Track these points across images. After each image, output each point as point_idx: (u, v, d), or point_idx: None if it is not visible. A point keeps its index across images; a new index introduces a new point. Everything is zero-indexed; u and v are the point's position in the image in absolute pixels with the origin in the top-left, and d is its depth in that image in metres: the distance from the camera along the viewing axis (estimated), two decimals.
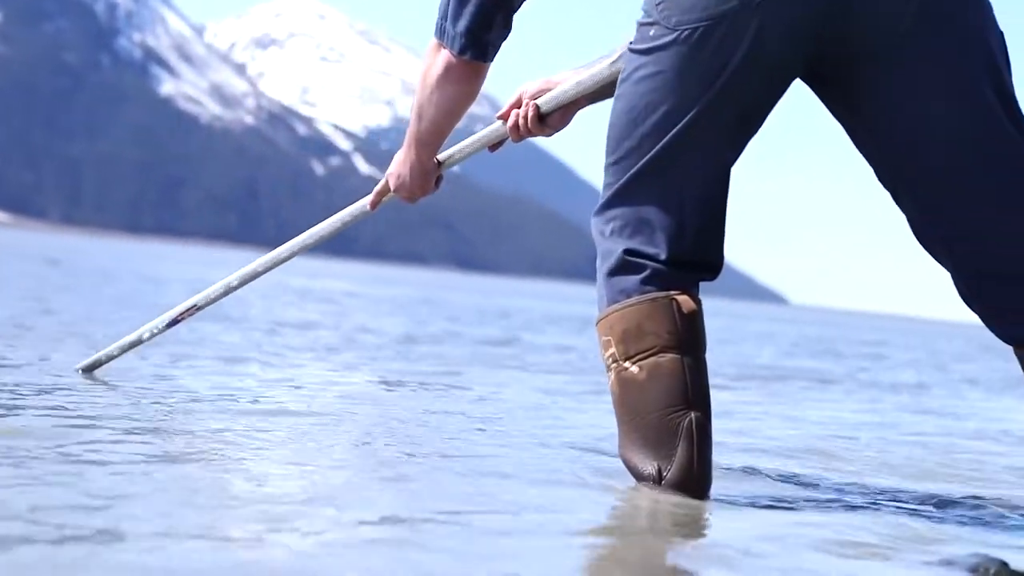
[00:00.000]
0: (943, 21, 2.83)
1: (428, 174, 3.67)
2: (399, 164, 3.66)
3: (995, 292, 2.94)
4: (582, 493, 3.02)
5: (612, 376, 2.99)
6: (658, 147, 2.94)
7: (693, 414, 2.91)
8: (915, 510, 3.23)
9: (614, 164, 3.01)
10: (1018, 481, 4.08)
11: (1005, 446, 5.40)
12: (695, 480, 2.91)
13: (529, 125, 3.51)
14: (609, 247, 3.01)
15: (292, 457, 3.19)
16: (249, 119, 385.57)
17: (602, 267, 3.03)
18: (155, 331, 4.33)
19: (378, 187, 3.79)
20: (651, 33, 2.94)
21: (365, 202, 3.88)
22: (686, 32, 2.88)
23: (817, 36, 2.85)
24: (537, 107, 3.50)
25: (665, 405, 2.91)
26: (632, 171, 2.98)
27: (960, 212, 2.90)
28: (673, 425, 2.91)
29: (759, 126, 3.00)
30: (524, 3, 3.27)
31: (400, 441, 3.64)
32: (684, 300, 2.95)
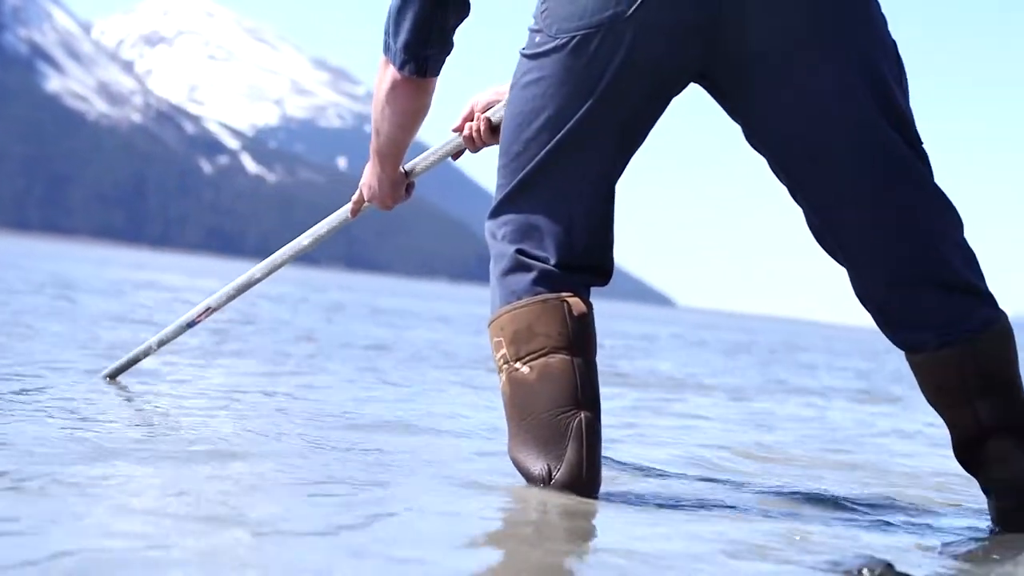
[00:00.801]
0: (829, 41, 2.86)
1: (396, 184, 3.71)
2: (368, 176, 3.70)
3: (885, 297, 2.96)
4: (471, 494, 3.00)
5: (503, 377, 3.01)
6: (543, 153, 2.98)
7: (583, 414, 2.93)
8: (807, 512, 3.25)
9: (504, 167, 3.05)
10: (911, 482, 4.12)
11: (908, 447, 5.50)
12: (584, 480, 2.92)
13: (483, 137, 3.56)
14: (501, 249, 3.03)
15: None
16: (136, 117, 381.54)
17: (495, 269, 3.05)
18: (172, 335, 4.47)
19: (355, 196, 3.84)
20: (536, 40, 2.98)
21: (346, 210, 3.95)
22: (564, 40, 2.92)
23: (696, 47, 2.88)
24: (488, 120, 3.54)
25: (555, 405, 2.93)
26: (520, 176, 3.01)
27: (847, 218, 2.93)
28: (563, 425, 2.92)
29: (643, 137, 3.03)
30: (462, 21, 3.27)
31: (287, 439, 3.59)
32: (575, 302, 2.98)
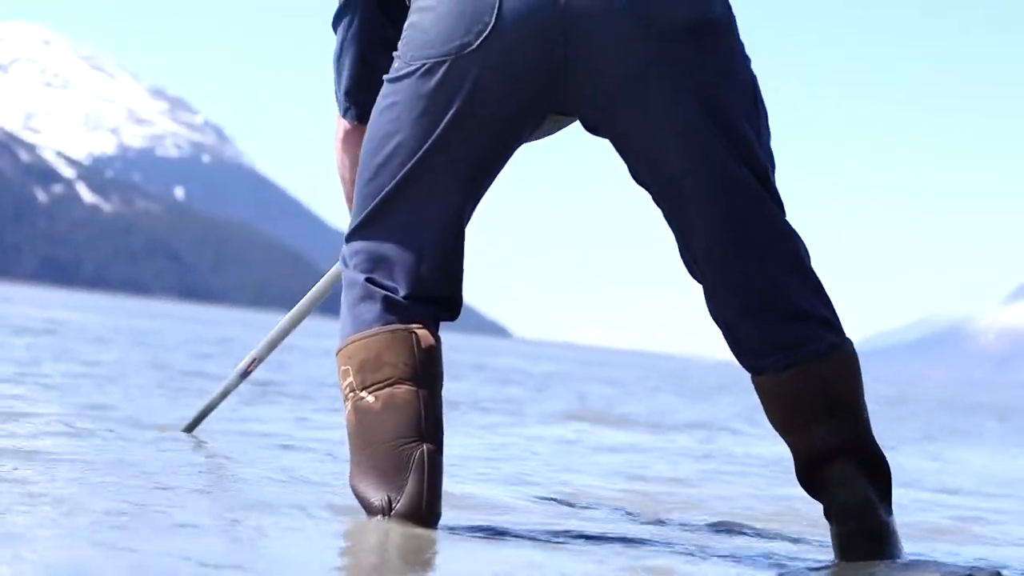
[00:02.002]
0: (673, 80, 2.93)
1: None
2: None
3: (734, 320, 3.02)
4: (311, 526, 2.99)
5: (348, 406, 3.00)
6: (393, 183, 3.01)
7: (425, 446, 2.94)
8: (643, 541, 3.27)
9: (358, 193, 3.08)
10: (752, 514, 4.18)
11: (749, 474, 5.63)
12: (424, 512, 2.93)
13: None
14: (353, 277, 3.04)
15: None
16: None
17: (345, 296, 3.07)
18: (232, 386, 4.60)
19: None
20: (396, 64, 3.02)
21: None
22: (416, 66, 2.97)
23: (545, 86, 2.94)
24: None
25: (398, 436, 2.94)
26: (372, 204, 3.04)
27: (702, 244, 3.00)
28: (405, 456, 2.93)
29: (494, 173, 3.06)
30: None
31: (121, 478, 3.51)
32: (424, 334, 3.00)
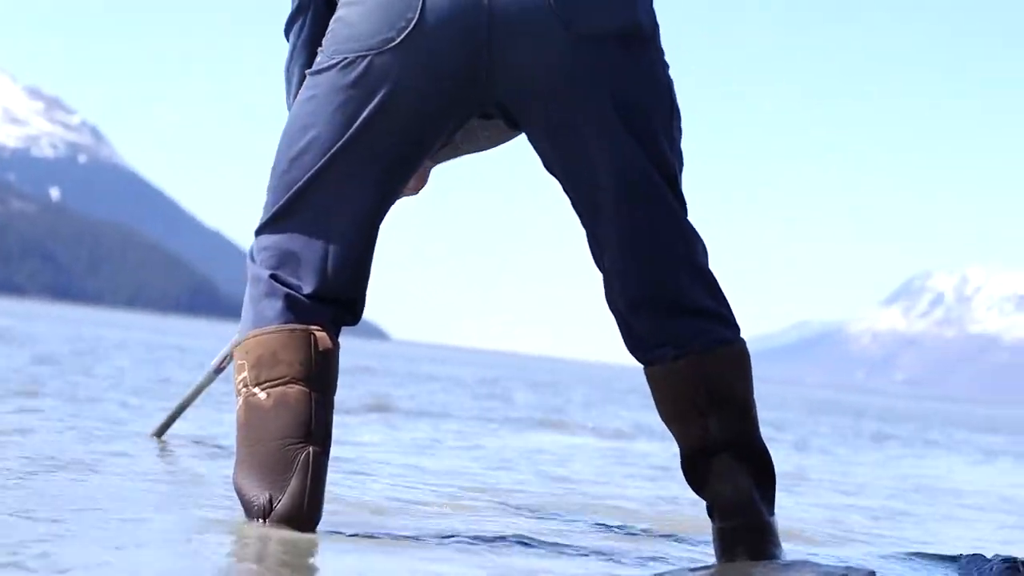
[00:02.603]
0: (589, 81, 2.96)
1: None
2: None
3: (630, 310, 3.06)
4: (192, 525, 3.00)
5: (240, 400, 3.00)
6: (305, 177, 3.00)
7: (312, 448, 2.94)
8: (532, 543, 3.29)
9: (271, 186, 3.06)
10: (634, 515, 4.22)
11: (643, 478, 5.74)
12: (305, 513, 2.93)
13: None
14: (257, 273, 3.04)
15: None
16: None
17: (249, 291, 3.06)
18: (205, 383, 4.74)
19: None
20: (319, 59, 3.03)
21: None
22: (336, 60, 2.98)
23: (466, 86, 2.95)
24: None
25: (285, 435, 2.94)
26: (283, 199, 3.03)
27: (608, 238, 3.04)
28: (290, 456, 2.93)
29: (411, 173, 3.07)
30: None
31: None
32: (322, 336, 2.99)
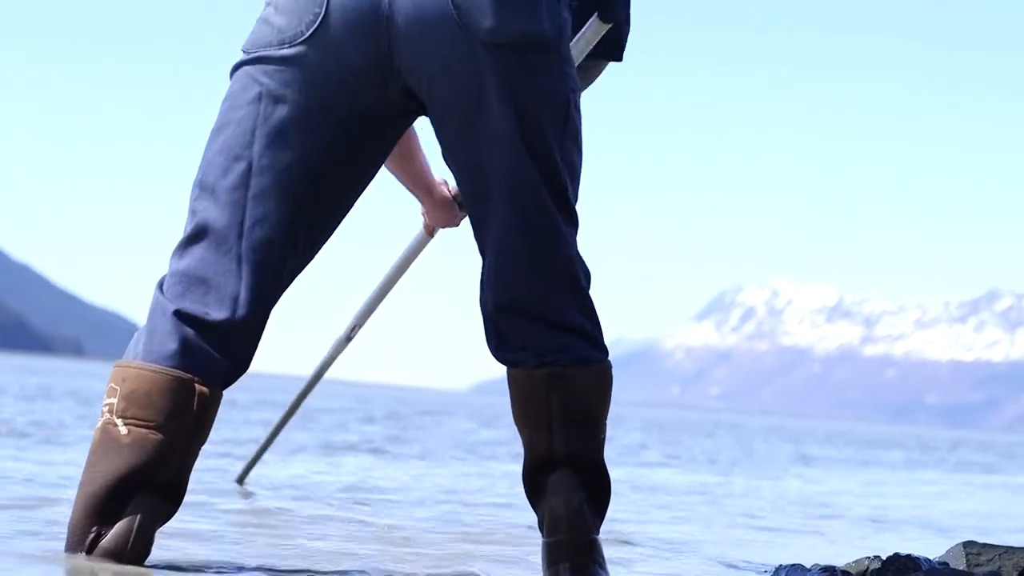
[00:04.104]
0: (489, 91, 2.90)
1: (443, 206, 4.13)
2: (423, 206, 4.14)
3: (503, 315, 3.02)
4: (22, 560, 2.97)
5: (100, 423, 2.90)
6: (225, 192, 2.91)
7: (152, 495, 2.87)
8: (388, 572, 3.30)
9: (191, 201, 2.97)
10: (479, 535, 4.42)
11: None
12: (128, 553, 2.86)
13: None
14: (162, 304, 2.92)
15: None
16: None
17: (148, 319, 2.93)
18: (283, 423, 5.08)
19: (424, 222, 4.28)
20: (238, 59, 2.97)
21: (421, 232, 4.33)
22: (251, 56, 2.93)
23: (372, 84, 2.91)
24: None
25: (131, 474, 2.85)
26: (196, 220, 2.93)
27: (492, 240, 3.01)
28: (128, 496, 2.85)
29: (336, 183, 2.97)
30: None
31: None
32: (203, 392, 2.89)
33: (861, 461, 17.64)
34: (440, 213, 4.13)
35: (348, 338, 4.74)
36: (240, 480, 5.68)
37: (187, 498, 3.03)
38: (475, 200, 3.02)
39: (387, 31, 2.88)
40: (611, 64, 3.46)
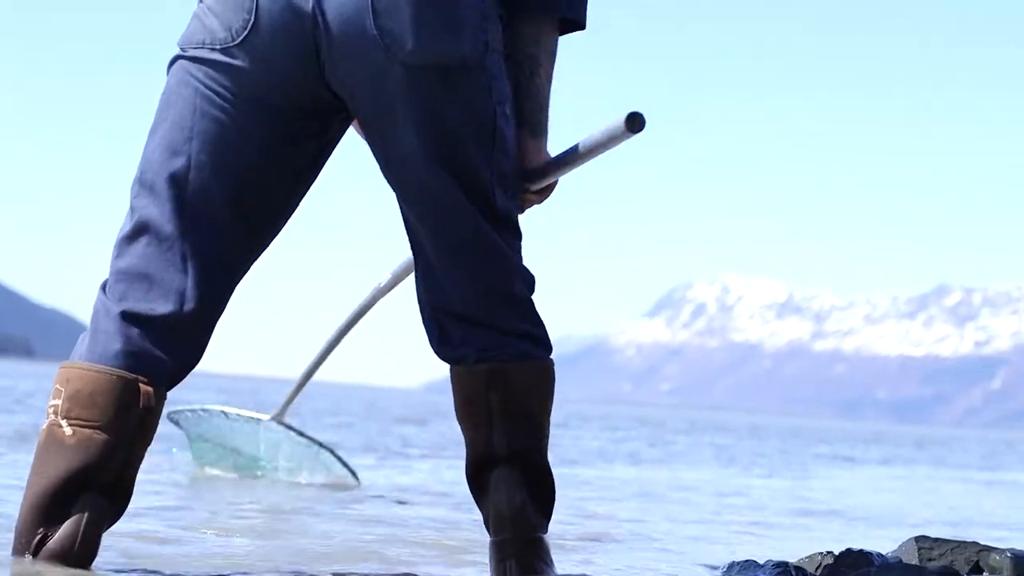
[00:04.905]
0: (412, 108, 2.91)
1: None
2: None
3: (442, 317, 3.06)
4: None
5: (45, 424, 2.90)
6: (164, 186, 2.90)
7: (98, 496, 2.87)
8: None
9: (132, 198, 2.96)
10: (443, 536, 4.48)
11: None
12: (74, 555, 2.86)
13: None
14: (106, 305, 2.91)
15: None
16: None
17: (92, 320, 2.93)
18: (320, 361, 5.54)
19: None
20: (173, 55, 2.98)
21: None
22: (187, 54, 2.94)
23: (304, 88, 2.92)
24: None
25: (76, 475, 2.85)
26: (138, 214, 2.92)
27: (425, 251, 3.05)
28: (73, 497, 2.85)
29: (272, 177, 2.97)
30: None
31: None
32: (147, 392, 2.88)
33: (813, 456, 18.21)
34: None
35: (391, 287, 4.89)
36: (278, 418, 5.85)
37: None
38: (405, 206, 3.04)
39: (314, 41, 2.89)
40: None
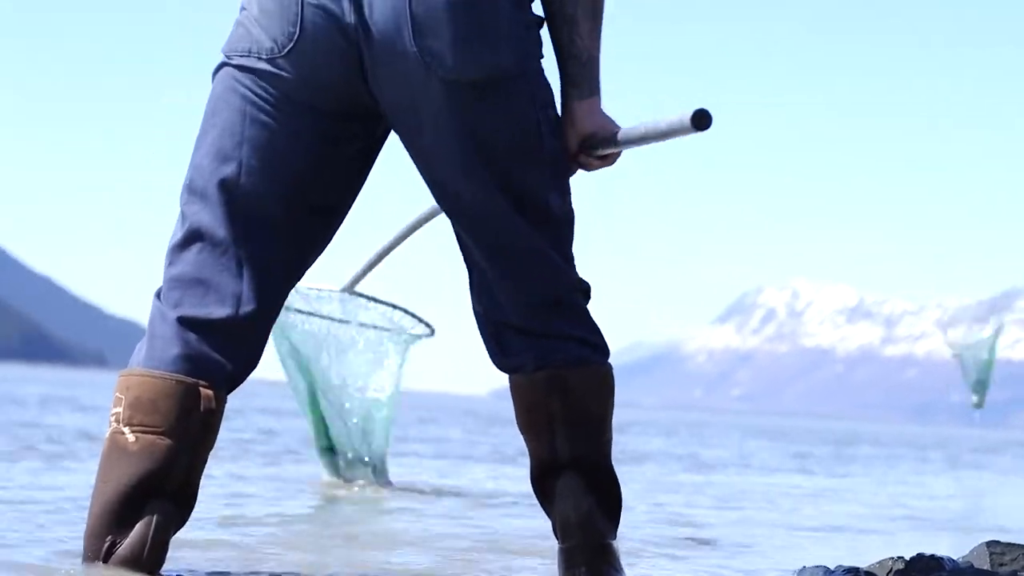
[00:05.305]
0: (454, 122, 2.92)
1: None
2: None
3: (496, 327, 3.08)
4: (39, 567, 3.08)
5: (109, 432, 2.91)
6: (216, 192, 2.92)
7: (164, 501, 2.88)
8: None
9: (181, 201, 2.97)
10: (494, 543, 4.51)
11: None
12: (143, 562, 2.88)
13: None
14: (162, 311, 2.93)
15: None
16: None
17: (150, 326, 2.94)
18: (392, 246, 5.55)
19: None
20: (219, 62, 3.00)
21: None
22: (234, 62, 2.95)
23: (350, 97, 2.95)
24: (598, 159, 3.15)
25: (141, 482, 2.86)
26: (188, 224, 2.93)
27: (475, 261, 3.06)
28: (141, 504, 2.86)
29: (323, 181, 2.98)
30: None
31: None
32: (207, 395, 2.89)
33: (887, 459, 18.39)
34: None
35: (429, 219, 4.92)
36: (349, 289, 5.98)
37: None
38: (453, 219, 3.05)
39: (358, 52, 2.91)
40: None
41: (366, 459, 6.66)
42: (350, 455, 6.74)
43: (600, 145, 3.10)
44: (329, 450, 6.81)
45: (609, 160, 3.15)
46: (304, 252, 3.03)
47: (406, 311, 6.81)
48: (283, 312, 6.14)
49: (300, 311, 6.69)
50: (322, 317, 6.70)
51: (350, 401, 6.76)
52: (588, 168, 3.13)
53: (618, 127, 3.09)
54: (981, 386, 17.75)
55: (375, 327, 6.76)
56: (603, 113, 3.11)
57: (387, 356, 6.84)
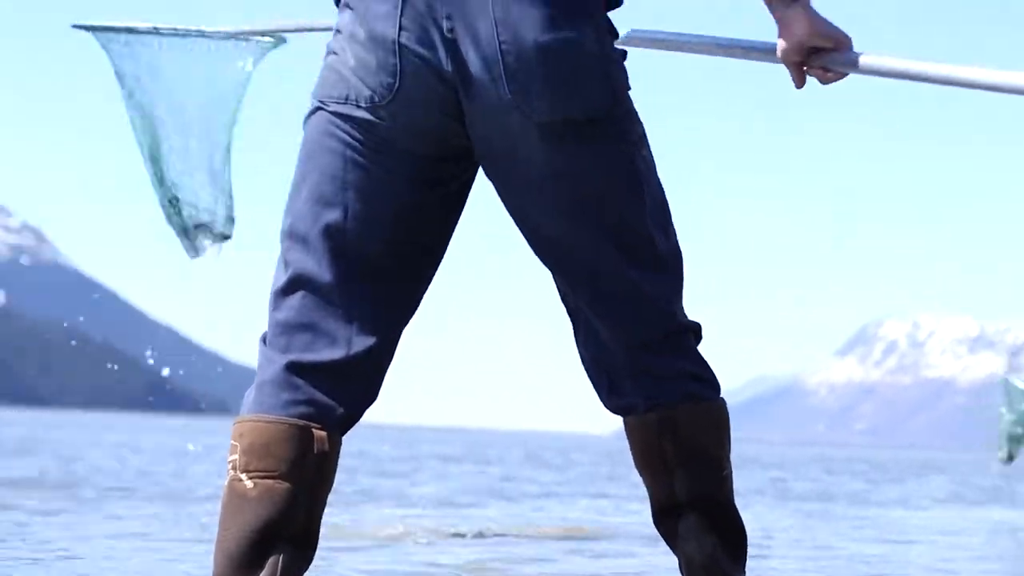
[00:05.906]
0: (549, 163, 2.92)
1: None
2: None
3: (603, 371, 3.05)
4: None
5: (227, 480, 2.91)
6: (316, 233, 2.92)
7: (287, 548, 2.88)
8: None
9: (283, 252, 2.98)
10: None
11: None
12: None
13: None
14: (270, 356, 2.93)
15: None
16: None
17: (259, 372, 2.95)
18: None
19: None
20: (310, 105, 3.00)
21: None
22: (329, 108, 2.94)
23: (447, 139, 2.94)
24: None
25: (263, 529, 2.86)
26: (292, 271, 2.94)
27: (578, 307, 3.03)
28: (262, 551, 2.86)
29: (422, 224, 2.98)
30: None
31: None
32: (320, 436, 2.89)
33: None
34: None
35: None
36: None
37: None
38: (550, 265, 3.03)
39: (456, 100, 2.90)
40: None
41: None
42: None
43: (824, 62, 2.94)
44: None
45: (838, 75, 2.99)
46: (408, 292, 3.02)
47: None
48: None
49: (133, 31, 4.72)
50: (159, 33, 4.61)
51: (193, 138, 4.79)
52: (823, 81, 2.98)
53: (841, 33, 2.94)
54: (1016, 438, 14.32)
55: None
56: (816, 19, 2.93)
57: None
